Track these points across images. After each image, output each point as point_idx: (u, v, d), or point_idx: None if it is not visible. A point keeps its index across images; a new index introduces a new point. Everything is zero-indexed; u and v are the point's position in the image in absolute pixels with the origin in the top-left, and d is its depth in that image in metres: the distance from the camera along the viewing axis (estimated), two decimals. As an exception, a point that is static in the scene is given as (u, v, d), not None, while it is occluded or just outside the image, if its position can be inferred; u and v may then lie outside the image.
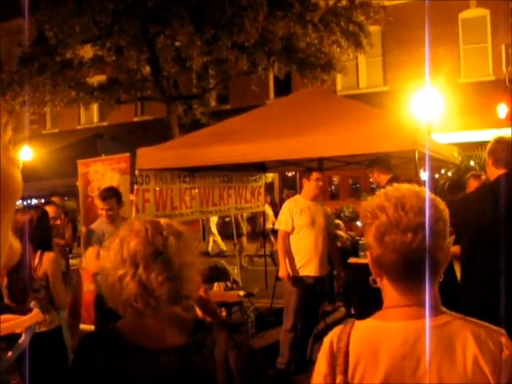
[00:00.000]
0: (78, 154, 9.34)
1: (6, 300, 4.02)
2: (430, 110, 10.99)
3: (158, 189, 6.75)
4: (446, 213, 1.44)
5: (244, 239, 14.50)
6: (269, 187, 15.80)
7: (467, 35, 18.74)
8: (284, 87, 19.22)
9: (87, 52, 15.24)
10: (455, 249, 3.72)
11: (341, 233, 8.31)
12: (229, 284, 7.88)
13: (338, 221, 9.00)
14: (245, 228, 15.05)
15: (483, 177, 5.96)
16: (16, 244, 0.92)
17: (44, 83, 14.40)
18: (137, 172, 6.46)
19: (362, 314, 1.53)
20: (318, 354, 1.50)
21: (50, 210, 5.61)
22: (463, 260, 3.92)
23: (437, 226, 1.39)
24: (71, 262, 9.18)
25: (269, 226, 13.00)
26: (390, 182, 5.03)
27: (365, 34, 14.69)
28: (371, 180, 6.28)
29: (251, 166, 8.04)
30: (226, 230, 18.41)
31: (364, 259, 5.91)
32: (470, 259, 3.83)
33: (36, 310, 3.68)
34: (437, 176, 13.99)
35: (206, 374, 1.60)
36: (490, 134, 4.45)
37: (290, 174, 18.77)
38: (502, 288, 3.25)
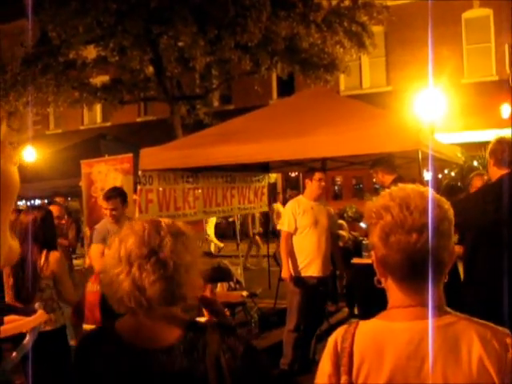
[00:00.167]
0: (82, 155, 9.37)
1: (12, 300, 4.03)
2: (433, 110, 10.98)
3: (161, 189, 6.76)
4: (451, 213, 1.43)
5: (258, 239, 14.55)
6: (272, 187, 15.77)
7: (470, 35, 18.71)
8: (287, 87, 19.22)
9: (90, 52, 15.27)
10: (458, 249, 3.71)
11: (343, 233, 8.30)
12: (232, 284, 7.88)
13: (341, 221, 9.00)
14: (258, 228, 15.14)
15: (485, 177, 5.96)
16: (15, 244, 0.92)
17: (47, 84, 14.44)
18: (140, 172, 6.47)
19: (365, 314, 1.53)
20: (321, 354, 1.50)
21: (53, 209, 5.61)
22: (466, 260, 3.92)
23: (442, 226, 1.39)
24: (74, 262, 9.19)
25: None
26: (395, 182, 5.01)
27: (368, 34, 14.69)
28: (375, 180, 6.27)
29: (254, 166, 8.04)
30: (229, 231, 18.43)
31: (367, 259, 5.89)
32: (473, 259, 3.83)
33: (40, 311, 3.69)
34: (440, 176, 13.98)
35: (195, 376, 1.59)
36: (493, 134, 4.44)
37: (293, 175, 18.76)
38: (504, 288, 3.25)
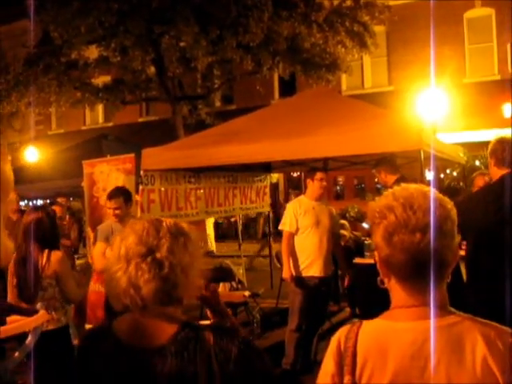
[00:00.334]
0: (84, 155, 9.36)
1: (16, 299, 4.05)
2: (435, 109, 10.99)
3: (163, 189, 6.76)
4: (454, 212, 1.43)
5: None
6: (274, 187, 15.80)
7: (472, 35, 18.70)
8: (289, 87, 19.22)
9: (92, 53, 15.28)
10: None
11: (344, 232, 8.30)
12: (234, 284, 7.88)
13: (342, 221, 9.00)
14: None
15: (486, 178, 5.95)
16: (9, 244, 0.93)
17: (49, 84, 14.45)
18: (142, 172, 6.47)
19: (367, 315, 1.53)
20: (323, 354, 1.50)
21: (55, 210, 5.64)
22: (468, 260, 3.92)
23: (445, 226, 1.39)
24: (77, 262, 9.20)
25: None
26: (398, 182, 5.01)
27: (370, 33, 14.68)
28: (378, 180, 6.27)
29: (256, 166, 8.04)
30: (231, 231, 18.42)
31: (369, 259, 5.88)
32: (475, 260, 3.83)
33: (42, 311, 3.70)
34: (442, 176, 13.98)
35: (185, 377, 1.58)
36: (495, 134, 4.43)
37: (295, 175, 18.77)
38: (505, 288, 3.24)
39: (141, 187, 6.46)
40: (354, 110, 6.59)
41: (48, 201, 11.49)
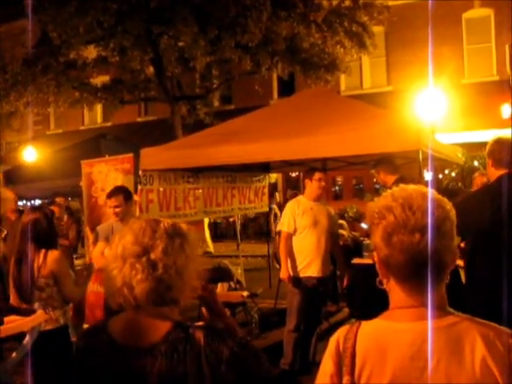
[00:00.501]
0: (82, 155, 9.36)
1: (18, 300, 4.04)
2: (433, 110, 10.99)
3: (161, 189, 6.76)
4: (453, 213, 1.43)
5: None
6: (272, 187, 15.79)
7: (471, 35, 18.71)
8: (287, 87, 19.22)
9: (91, 52, 15.28)
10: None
11: (343, 231, 8.30)
12: (232, 284, 7.87)
13: (341, 221, 9.00)
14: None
15: (485, 178, 5.95)
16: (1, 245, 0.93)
17: (48, 84, 14.45)
18: (140, 172, 6.47)
19: (365, 315, 1.53)
20: (321, 354, 1.50)
21: (53, 210, 5.63)
22: (466, 262, 3.91)
23: (444, 227, 1.39)
24: (75, 262, 9.19)
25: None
26: (397, 182, 5.01)
27: (368, 34, 14.70)
28: (377, 180, 6.26)
29: (255, 166, 8.04)
30: (229, 231, 18.40)
31: (367, 259, 5.87)
32: (473, 261, 3.82)
33: (40, 312, 3.70)
34: (440, 176, 13.97)
35: (174, 377, 1.58)
36: (493, 135, 4.43)
37: (293, 175, 18.78)
38: (503, 289, 3.24)
39: (139, 187, 6.45)
40: (352, 111, 6.59)
41: (46, 201, 11.48)
